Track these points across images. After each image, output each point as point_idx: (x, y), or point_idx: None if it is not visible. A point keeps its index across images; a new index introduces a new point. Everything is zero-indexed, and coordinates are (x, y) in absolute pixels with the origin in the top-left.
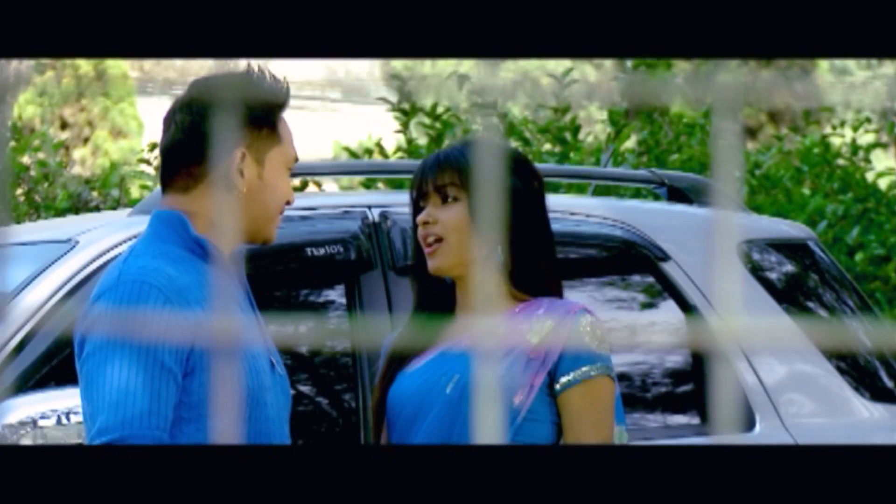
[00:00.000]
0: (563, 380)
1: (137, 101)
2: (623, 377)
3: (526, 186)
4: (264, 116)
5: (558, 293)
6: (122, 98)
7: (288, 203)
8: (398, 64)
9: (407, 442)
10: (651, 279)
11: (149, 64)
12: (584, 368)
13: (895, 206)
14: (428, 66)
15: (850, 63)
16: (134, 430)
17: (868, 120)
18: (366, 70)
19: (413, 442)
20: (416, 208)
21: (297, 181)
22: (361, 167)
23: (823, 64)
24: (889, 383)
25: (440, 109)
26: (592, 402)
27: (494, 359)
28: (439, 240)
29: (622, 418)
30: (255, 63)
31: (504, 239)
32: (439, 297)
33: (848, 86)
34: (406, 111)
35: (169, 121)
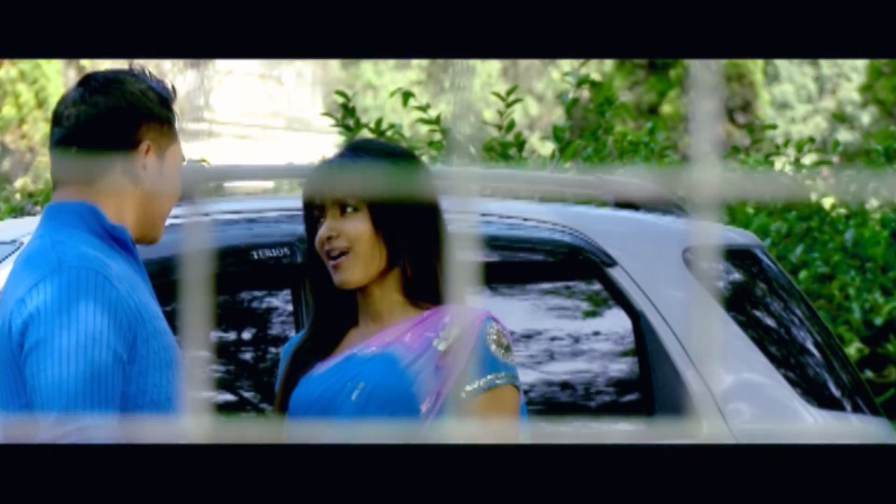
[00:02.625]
0: (469, 388)
1: None
2: (567, 385)
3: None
4: (165, 112)
5: (458, 300)
6: None
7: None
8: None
9: None
10: (598, 285)
11: None
12: (489, 377)
13: (839, 225)
14: (370, 98)
15: (791, 97)
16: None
17: (811, 140)
18: (308, 99)
19: None
20: (312, 219)
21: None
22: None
23: (765, 96)
24: (836, 392)
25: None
26: (498, 410)
27: None
28: (344, 252)
29: (525, 427)
30: (135, 64)
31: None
32: (340, 307)
33: (789, 119)
34: (350, 127)
35: (64, 113)
